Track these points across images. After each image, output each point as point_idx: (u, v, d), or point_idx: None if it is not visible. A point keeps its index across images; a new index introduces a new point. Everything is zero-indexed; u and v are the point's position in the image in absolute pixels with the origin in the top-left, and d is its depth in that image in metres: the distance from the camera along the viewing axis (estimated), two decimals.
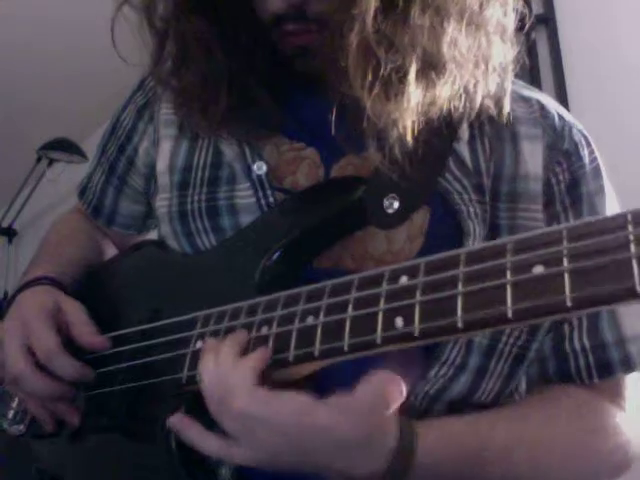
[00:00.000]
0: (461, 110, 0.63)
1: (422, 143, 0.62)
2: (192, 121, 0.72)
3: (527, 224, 0.65)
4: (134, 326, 0.69)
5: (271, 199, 0.67)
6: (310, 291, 0.53)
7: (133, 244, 0.86)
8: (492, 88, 0.65)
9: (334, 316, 0.49)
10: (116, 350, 0.69)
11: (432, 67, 0.60)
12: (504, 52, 0.64)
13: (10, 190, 3.21)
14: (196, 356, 0.58)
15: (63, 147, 2.95)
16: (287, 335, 0.52)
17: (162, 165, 0.75)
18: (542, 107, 0.71)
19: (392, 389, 0.48)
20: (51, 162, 3.09)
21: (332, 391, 0.50)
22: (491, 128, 0.68)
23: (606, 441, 0.63)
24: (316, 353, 0.49)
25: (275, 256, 0.62)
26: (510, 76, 0.67)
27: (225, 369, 0.52)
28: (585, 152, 0.69)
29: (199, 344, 0.59)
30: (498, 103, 0.66)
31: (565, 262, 0.39)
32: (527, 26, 0.68)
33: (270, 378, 0.52)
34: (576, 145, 0.69)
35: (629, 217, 0.37)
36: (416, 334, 0.44)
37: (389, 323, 0.46)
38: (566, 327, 0.66)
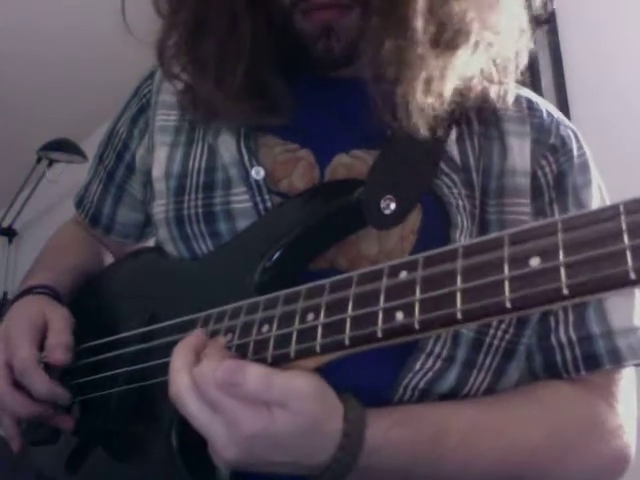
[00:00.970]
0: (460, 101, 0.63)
1: (419, 143, 0.63)
2: (203, 91, 0.69)
3: (516, 218, 0.66)
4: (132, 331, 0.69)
5: (269, 204, 0.67)
6: (310, 289, 0.53)
7: (131, 251, 0.87)
8: (495, 79, 0.65)
9: (334, 311, 0.50)
10: (116, 353, 0.69)
11: (478, 42, 0.62)
12: (516, 47, 0.66)
13: (10, 190, 3.22)
14: None
15: (63, 148, 2.95)
16: (288, 332, 0.52)
17: (158, 171, 0.75)
18: (530, 104, 0.71)
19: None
20: (51, 162, 3.09)
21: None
22: (479, 126, 0.68)
23: (582, 432, 0.62)
24: (317, 348, 0.50)
25: (276, 256, 0.62)
26: (512, 76, 0.67)
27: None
28: (573, 146, 0.70)
29: None
30: (494, 98, 0.67)
31: (561, 252, 0.40)
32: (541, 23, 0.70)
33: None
34: (563, 139, 0.69)
35: (621, 208, 0.39)
36: (416, 326, 0.45)
37: (389, 317, 0.47)
38: (552, 320, 0.66)
